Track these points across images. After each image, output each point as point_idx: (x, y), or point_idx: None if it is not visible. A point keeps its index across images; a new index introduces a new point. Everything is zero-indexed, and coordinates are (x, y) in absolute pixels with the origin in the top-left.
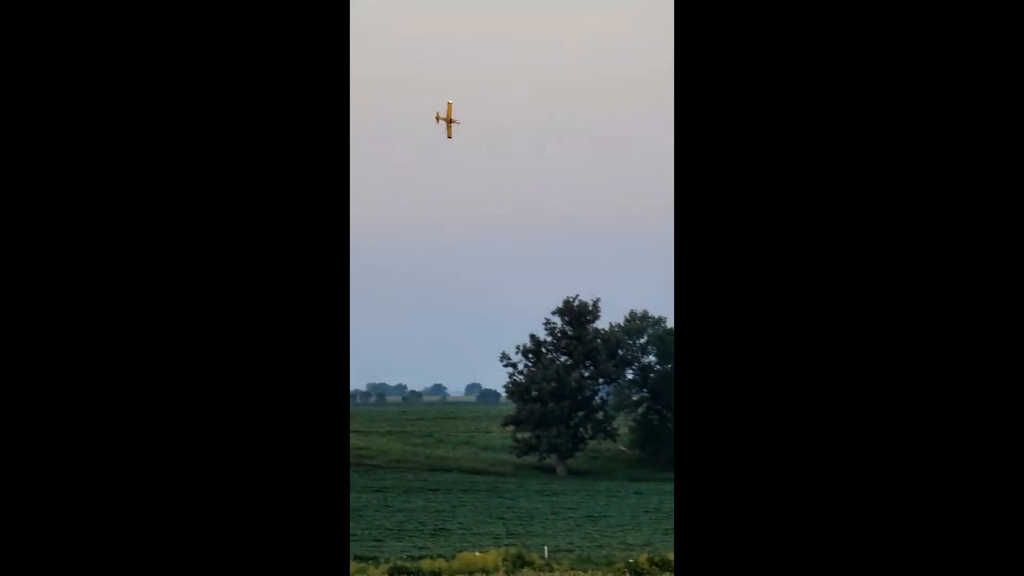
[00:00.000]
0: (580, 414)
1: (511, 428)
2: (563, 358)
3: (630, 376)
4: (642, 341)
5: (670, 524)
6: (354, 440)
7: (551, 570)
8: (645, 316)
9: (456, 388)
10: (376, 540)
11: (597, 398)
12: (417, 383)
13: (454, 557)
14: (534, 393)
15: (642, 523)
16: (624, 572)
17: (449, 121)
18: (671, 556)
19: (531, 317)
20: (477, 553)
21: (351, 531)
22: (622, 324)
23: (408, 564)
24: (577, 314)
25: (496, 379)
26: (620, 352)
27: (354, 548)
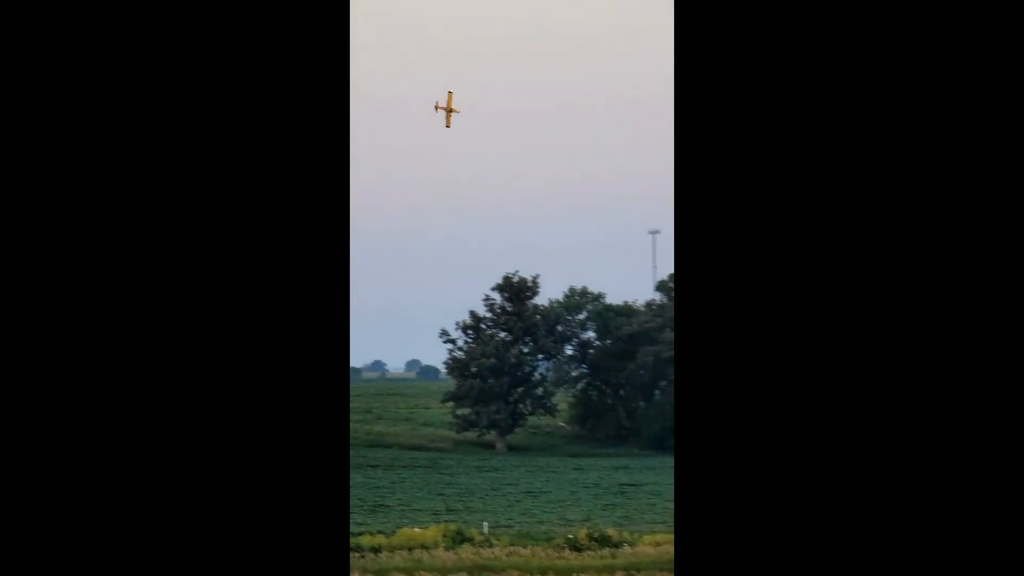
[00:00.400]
0: (519, 390)
1: (451, 404)
2: (502, 334)
3: (569, 352)
4: (581, 317)
5: (609, 500)
6: None
7: (491, 546)
8: (584, 292)
9: (396, 364)
10: None
11: (536, 374)
12: (356, 359)
13: (394, 533)
14: (474, 369)
15: (581, 499)
16: (563, 547)
17: (449, 110)
18: (610, 531)
19: (472, 293)
20: (417, 529)
21: None
22: (561, 300)
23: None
24: (516, 290)
25: (436, 355)
26: (559, 328)
27: None
